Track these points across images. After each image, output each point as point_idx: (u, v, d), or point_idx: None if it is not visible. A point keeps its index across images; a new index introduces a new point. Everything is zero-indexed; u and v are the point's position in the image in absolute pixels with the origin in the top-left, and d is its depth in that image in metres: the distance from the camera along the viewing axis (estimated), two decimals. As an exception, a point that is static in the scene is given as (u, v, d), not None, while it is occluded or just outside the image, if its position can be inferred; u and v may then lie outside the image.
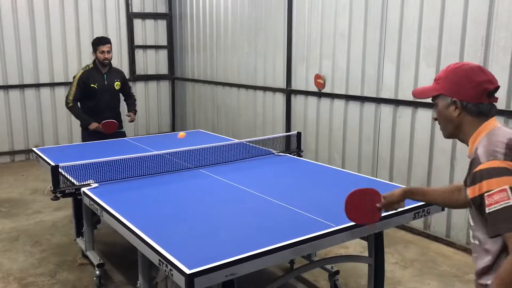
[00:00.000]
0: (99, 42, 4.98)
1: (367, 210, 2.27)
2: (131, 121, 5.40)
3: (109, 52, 4.96)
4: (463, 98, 1.80)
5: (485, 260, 1.77)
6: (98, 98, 5.01)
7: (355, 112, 5.31)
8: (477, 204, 1.70)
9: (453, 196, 2.10)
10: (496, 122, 1.82)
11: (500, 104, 3.93)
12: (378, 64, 4.98)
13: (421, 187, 2.27)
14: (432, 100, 1.92)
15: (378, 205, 2.24)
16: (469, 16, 4.12)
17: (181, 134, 4.91)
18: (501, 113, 3.94)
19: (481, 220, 1.74)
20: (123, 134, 5.31)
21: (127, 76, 8.43)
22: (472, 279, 3.24)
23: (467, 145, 1.86)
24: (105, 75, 5.05)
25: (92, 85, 4.96)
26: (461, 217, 4.33)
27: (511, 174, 1.63)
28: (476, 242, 1.81)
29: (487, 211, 1.64)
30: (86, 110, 5.07)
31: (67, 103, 5.01)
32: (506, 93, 3.90)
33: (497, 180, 1.62)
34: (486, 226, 1.69)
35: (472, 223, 1.83)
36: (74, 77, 5.04)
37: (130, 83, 5.66)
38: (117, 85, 5.15)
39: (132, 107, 5.42)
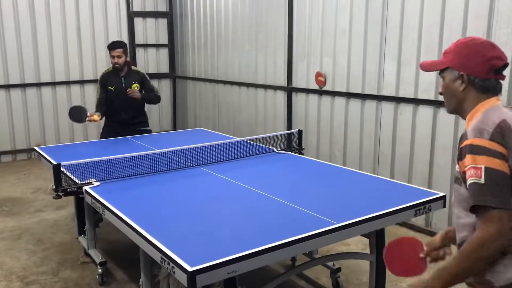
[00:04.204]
0: (109, 47, 5.13)
1: (410, 261, 2.04)
2: (131, 92, 5.03)
3: (119, 57, 5.03)
4: (471, 73, 1.78)
5: (462, 235, 1.80)
6: (115, 100, 5.11)
7: (356, 110, 5.31)
8: (464, 178, 1.73)
9: None
10: (496, 101, 1.81)
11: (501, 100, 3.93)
12: (379, 62, 4.97)
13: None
14: (439, 73, 1.90)
15: (421, 255, 2.04)
16: (470, 11, 4.12)
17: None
18: (502, 109, 3.93)
19: (463, 195, 1.77)
20: (148, 132, 5.40)
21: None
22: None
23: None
24: (122, 78, 5.13)
25: (109, 87, 5.11)
26: (463, 214, 4.32)
27: (490, 154, 1.64)
28: (456, 218, 1.85)
29: (467, 183, 1.68)
30: (107, 111, 5.17)
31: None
32: (507, 89, 3.90)
33: (475, 157, 1.65)
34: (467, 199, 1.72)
35: (453, 199, 1.86)
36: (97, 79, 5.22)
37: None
38: (135, 87, 5.16)
39: (146, 94, 5.26)
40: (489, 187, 1.62)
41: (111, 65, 5.15)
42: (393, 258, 2.08)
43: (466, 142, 1.71)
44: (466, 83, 1.80)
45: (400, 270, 2.10)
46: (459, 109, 1.87)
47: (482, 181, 1.63)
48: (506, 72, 4.17)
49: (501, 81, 1.82)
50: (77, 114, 5.01)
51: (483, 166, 1.63)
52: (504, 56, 1.80)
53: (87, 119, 4.98)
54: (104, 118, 5.27)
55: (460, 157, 1.73)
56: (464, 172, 1.70)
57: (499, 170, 1.63)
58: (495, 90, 1.81)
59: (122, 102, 5.11)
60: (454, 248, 1.90)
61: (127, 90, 5.06)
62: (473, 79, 1.78)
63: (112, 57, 5.05)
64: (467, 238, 1.77)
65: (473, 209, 1.68)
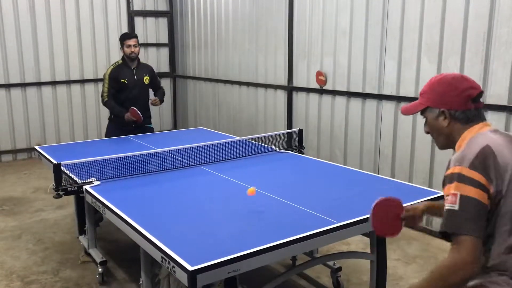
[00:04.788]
0: (125, 37, 5.13)
1: (390, 221, 2.20)
2: (154, 103, 5.31)
3: (135, 46, 5.08)
4: (450, 107, 1.85)
5: None
6: (128, 93, 5.08)
7: (357, 109, 5.31)
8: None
9: None
10: (483, 127, 1.84)
11: (502, 100, 3.93)
12: (380, 61, 4.97)
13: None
14: (421, 114, 1.96)
15: (402, 216, 2.20)
16: (470, 11, 4.11)
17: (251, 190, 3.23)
18: (503, 108, 3.93)
19: None
20: (151, 130, 5.38)
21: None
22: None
23: None
24: (134, 70, 5.14)
25: (122, 80, 5.06)
26: (463, 213, 4.32)
27: (467, 182, 1.68)
28: None
29: (444, 209, 1.74)
30: (118, 104, 5.14)
31: (102, 100, 5.12)
32: (508, 89, 3.89)
33: (455, 185, 1.70)
34: None
35: None
36: (104, 74, 5.13)
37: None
38: (146, 79, 5.21)
39: (159, 96, 5.39)
40: (462, 214, 1.66)
41: (121, 58, 5.15)
42: (378, 216, 2.19)
43: (447, 172, 1.77)
44: (449, 118, 1.86)
45: (380, 229, 2.24)
46: (449, 143, 1.93)
47: (456, 207, 1.67)
48: (506, 73, 4.19)
49: (481, 109, 1.88)
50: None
51: (459, 193, 1.68)
52: (477, 85, 1.87)
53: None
54: (110, 113, 5.29)
55: (443, 185, 1.79)
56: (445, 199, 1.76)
57: (474, 198, 1.66)
58: (478, 118, 1.86)
59: (135, 94, 5.10)
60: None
61: (150, 100, 5.21)
62: (454, 113, 1.85)
63: (128, 46, 5.04)
64: None
65: (446, 234, 1.72)
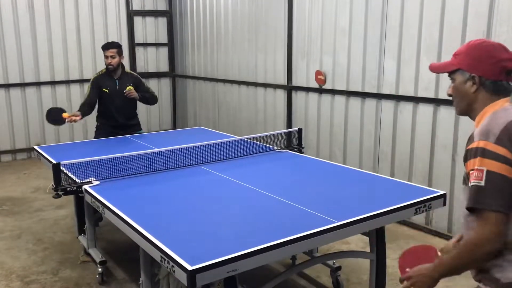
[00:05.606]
0: (103, 47, 5.00)
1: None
2: (129, 93, 4.96)
3: (113, 57, 4.91)
4: (482, 74, 1.80)
5: (468, 233, 1.79)
6: (110, 102, 5.02)
7: (356, 108, 5.31)
8: (468, 179, 1.75)
9: None
10: (505, 103, 1.81)
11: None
12: (379, 60, 4.97)
13: None
14: (449, 75, 1.91)
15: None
16: (469, 10, 4.11)
17: (65, 115, 4.79)
18: (503, 107, 3.93)
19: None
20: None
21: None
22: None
23: None
24: (117, 81, 5.03)
25: (104, 89, 5.00)
26: (463, 212, 4.32)
27: (493, 157, 1.66)
28: (463, 217, 1.86)
29: (469, 184, 1.72)
30: (101, 114, 5.13)
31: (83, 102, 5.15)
32: (507, 88, 3.89)
33: (480, 160, 1.68)
34: None
35: (462, 199, 1.87)
36: (90, 80, 5.12)
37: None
38: (129, 89, 5.05)
39: (146, 95, 5.18)
40: (488, 190, 1.65)
41: (105, 67, 5.04)
42: (407, 265, 2.10)
43: (471, 145, 1.73)
44: (478, 85, 1.81)
45: None
46: (469, 110, 1.88)
47: (482, 183, 1.66)
48: None
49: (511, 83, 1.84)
50: (56, 116, 4.86)
51: (485, 169, 1.66)
52: None
53: (67, 120, 4.82)
54: (83, 118, 5.05)
55: (466, 159, 1.76)
56: (469, 174, 1.73)
57: (501, 174, 1.65)
58: (506, 92, 1.82)
59: (117, 104, 5.02)
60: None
61: (124, 91, 4.98)
62: (484, 81, 1.80)
63: (106, 57, 4.94)
64: None
65: (471, 210, 1.72)
